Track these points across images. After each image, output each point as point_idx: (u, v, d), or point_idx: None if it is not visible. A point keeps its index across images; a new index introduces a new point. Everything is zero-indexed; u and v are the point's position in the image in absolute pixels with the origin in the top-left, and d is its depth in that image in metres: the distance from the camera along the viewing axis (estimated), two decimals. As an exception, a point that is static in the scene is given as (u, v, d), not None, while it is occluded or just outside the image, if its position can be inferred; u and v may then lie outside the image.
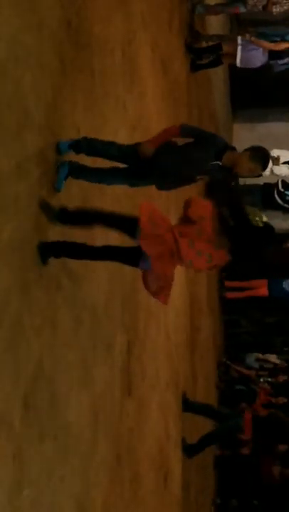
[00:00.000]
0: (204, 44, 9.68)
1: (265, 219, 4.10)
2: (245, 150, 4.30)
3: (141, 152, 4.26)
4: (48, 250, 3.69)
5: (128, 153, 4.31)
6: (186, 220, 4.09)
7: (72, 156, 4.13)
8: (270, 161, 4.69)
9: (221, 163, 4.26)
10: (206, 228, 4.00)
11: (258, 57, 8.99)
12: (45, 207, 3.70)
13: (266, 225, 4.12)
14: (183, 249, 3.98)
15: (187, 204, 4.12)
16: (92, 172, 4.30)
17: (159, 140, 4.29)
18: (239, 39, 8.88)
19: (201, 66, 9.50)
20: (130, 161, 4.32)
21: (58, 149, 3.98)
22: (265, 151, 4.37)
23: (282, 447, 11.42)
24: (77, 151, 4.14)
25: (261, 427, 8.62)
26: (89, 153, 4.27)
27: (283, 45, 8.93)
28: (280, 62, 9.16)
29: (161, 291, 4.17)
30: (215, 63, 9.72)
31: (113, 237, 4.28)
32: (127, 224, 3.98)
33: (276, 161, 11.09)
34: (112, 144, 4.37)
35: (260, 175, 4.44)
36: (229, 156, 4.25)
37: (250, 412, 8.61)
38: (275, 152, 11.26)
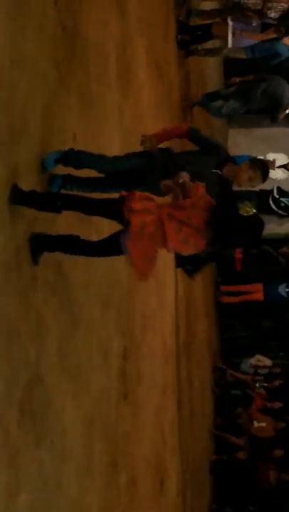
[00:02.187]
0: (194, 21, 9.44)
1: (253, 211, 4.02)
2: (245, 163, 4.37)
3: (145, 146, 4.30)
4: (40, 246, 3.62)
5: (122, 164, 4.30)
6: (178, 204, 3.87)
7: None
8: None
9: (220, 173, 4.29)
10: (196, 217, 3.79)
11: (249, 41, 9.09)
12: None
13: (255, 215, 4.00)
14: (169, 235, 3.77)
15: (184, 189, 3.88)
16: (85, 181, 4.24)
17: (165, 136, 4.36)
18: (230, 20, 8.81)
19: (189, 43, 9.21)
20: (124, 173, 4.29)
21: (44, 166, 3.81)
22: (264, 164, 4.46)
23: (278, 452, 11.43)
24: (66, 164, 4.04)
25: (253, 262, 8.66)
26: (78, 166, 4.16)
27: (272, 35, 9.01)
28: None
29: (143, 268, 3.93)
30: (203, 39, 9.43)
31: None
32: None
33: (271, 164, 11.09)
34: (102, 156, 4.29)
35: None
36: (229, 169, 4.31)
37: (241, 251, 8.64)
38: (270, 156, 11.28)
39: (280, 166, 11.34)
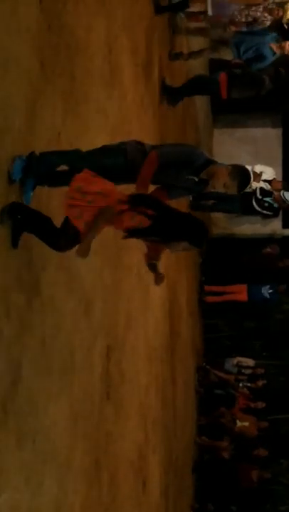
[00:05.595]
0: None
1: None
2: (227, 166, 4.19)
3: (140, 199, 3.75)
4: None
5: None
6: None
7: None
8: (251, 179, 4.51)
9: (196, 179, 4.14)
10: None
11: (229, 7, 9.07)
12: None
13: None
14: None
15: None
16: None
17: (147, 181, 3.93)
18: None
19: (165, 8, 8.87)
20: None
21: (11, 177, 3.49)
22: (245, 175, 4.25)
23: (261, 452, 11.48)
24: (28, 172, 3.62)
25: (237, 84, 8.50)
26: (48, 174, 3.80)
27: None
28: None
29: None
30: (181, 6, 9.24)
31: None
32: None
33: (257, 177, 10.99)
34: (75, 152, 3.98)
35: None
36: (209, 169, 4.13)
37: (225, 75, 8.46)
38: (258, 168, 11.16)
39: (264, 180, 11.26)
